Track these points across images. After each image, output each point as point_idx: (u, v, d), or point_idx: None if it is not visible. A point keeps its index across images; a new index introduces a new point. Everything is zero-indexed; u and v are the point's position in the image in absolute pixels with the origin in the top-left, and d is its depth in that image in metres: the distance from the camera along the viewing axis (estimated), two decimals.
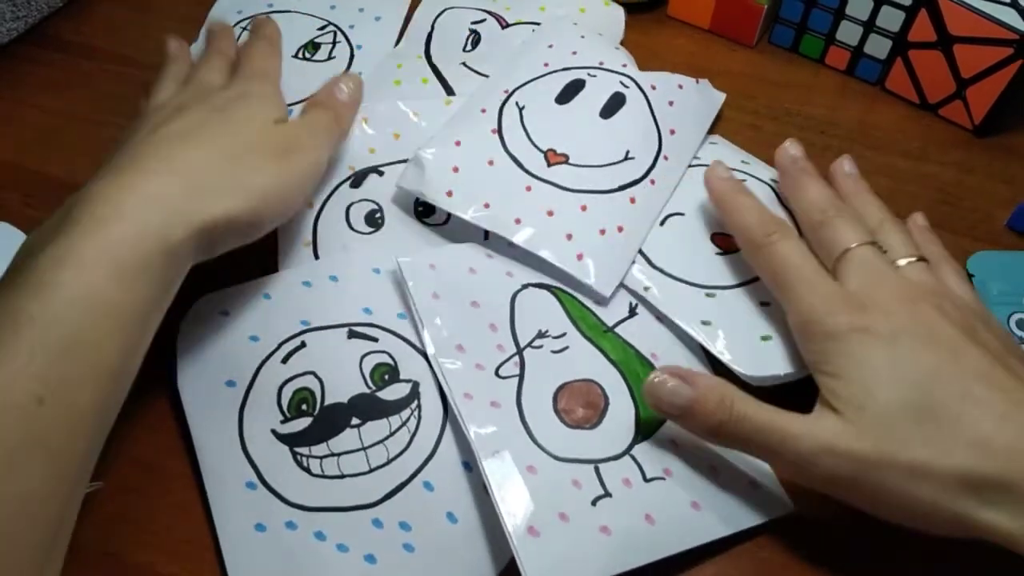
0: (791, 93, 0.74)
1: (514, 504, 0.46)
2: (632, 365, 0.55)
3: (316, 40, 0.73)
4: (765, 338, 0.55)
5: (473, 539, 0.48)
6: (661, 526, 0.48)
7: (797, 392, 0.56)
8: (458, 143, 0.61)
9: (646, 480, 0.50)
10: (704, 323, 0.56)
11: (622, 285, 0.58)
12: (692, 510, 0.49)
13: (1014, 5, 0.65)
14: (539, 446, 0.49)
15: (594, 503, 0.48)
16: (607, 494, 0.48)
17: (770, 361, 0.54)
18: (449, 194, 0.59)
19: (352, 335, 0.54)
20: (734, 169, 0.63)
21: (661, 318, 0.58)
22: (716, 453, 0.52)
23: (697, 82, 0.69)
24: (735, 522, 0.50)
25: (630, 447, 0.51)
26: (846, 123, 0.72)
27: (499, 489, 0.46)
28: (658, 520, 0.48)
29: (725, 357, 0.54)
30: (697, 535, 0.49)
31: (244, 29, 0.73)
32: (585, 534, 0.47)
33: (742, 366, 0.54)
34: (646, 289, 0.58)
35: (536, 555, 0.45)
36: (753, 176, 0.63)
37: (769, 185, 0.63)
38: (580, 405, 0.52)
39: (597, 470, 0.49)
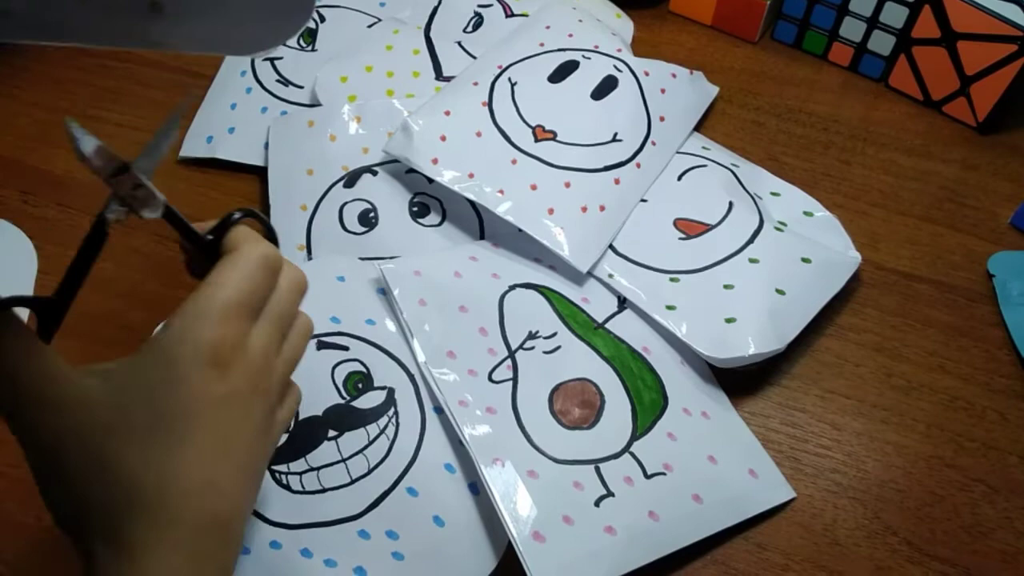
0: (794, 90, 0.73)
1: (518, 511, 0.46)
2: (625, 361, 0.54)
3: None
4: (729, 320, 0.55)
5: (462, 540, 0.47)
6: (665, 522, 0.48)
7: (794, 382, 0.56)
8: (447, 113, 0.62)
9: (647, 476, 0.49)
10: (669, 308, 0.56)
11: (591, 274, 0.58)
12: (694, 503, 0.49)
13: (1018, 2, 0.64)
14: (538, 450, 0.49)
15: (597, 503, 0.47)
16: (609, 494, 0.48)
17: (735, 343, 0.54)
18: (435, 161, 0.59)
19: (321, 346, 0.53)
20: (694, 155, 0.64)
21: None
22: (714, 444, 0.52)
23: (691, 73, 0.70)
24: (738, 511, 0.50)
25: (629, 444, 0.50)
26: (849, 120, 0.71)
27: (502, 497, 0.46)
28: (662, 516, 0.48)
29: (690, 340, 0.54)
30: (701, 528, 0.48)
31: None
32: (590, 535, 0.46)
33: (707, 349, 0.54)
34: (610, 276, 0.58)
35: (543, 560, 0.44)
36: (714, 161, 0.64)
37: (729, 169, 0.63)
38: (576, 405, 0.51)
39: (598, 470, 0.49)
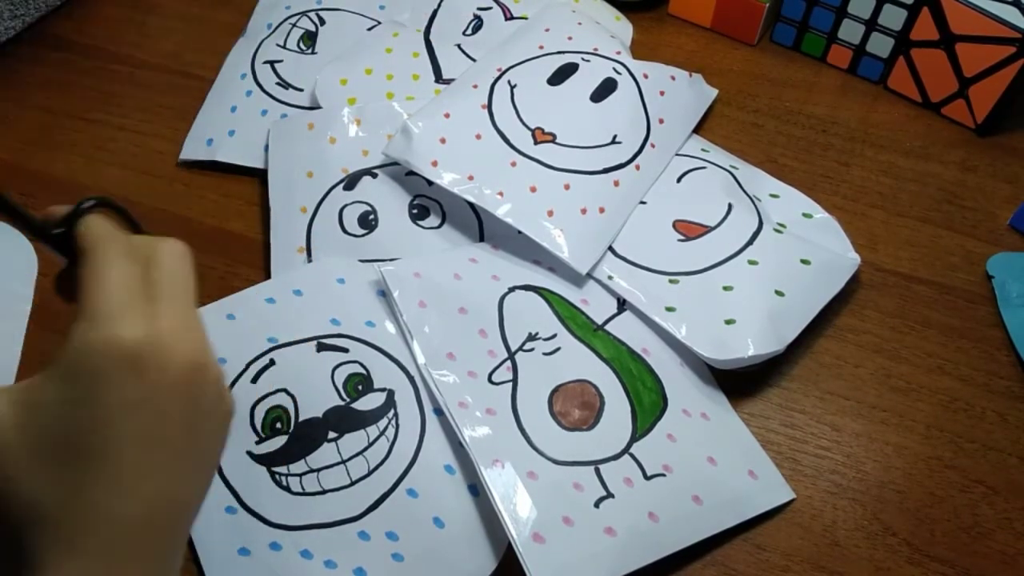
0: (793, 92, 0.74)
1: (517, 512, 0.46)
2: (624, 362, 0.54)
3: None
4: (729, 322, 0.55)
5: (462, 542, 0.47)
6: (665, 523, 0.48)
7: (794, 384, 0.57)
8: (447, 115, 0.62)
9: (647, 478, 0.49)
10: (669, 309, 0.56)
11: (590, 276, 0.58)
12: (694, 504, 0.49)
13: (1017, 4, 0.64)
14: (538, 451, 0.49)
15: (597, 505, 0.48)
16: (609, 495, 0.48)
17: (734, 344, 0.54)
18: (434, 164, 0.60)
19: (321, 348, 0.53)
20: (693, 156, 0.64)
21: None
22: (714, 445, 0.52)
23: (690, 75, 0.70)
24: (737, 512, 0.50)
25: (628, 446, 0.50)
26: (848, 122, 0.71)
27: (501, 498, 0.46)
28: (661, 517, 0.48)
29: (690, 342, 0.54)
30: (701, 529, 0.48)
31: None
32: (590, 537, 0.46)
33: (707, 350, 0.54)
34: (610, 278, 0.58)
35: (543, 561, 0.44)
36: (713, 163, 0.64)
37: (728, 171, 0.64)
38: (576, 407, 0.52)
39: (598, 471, 0.49)
